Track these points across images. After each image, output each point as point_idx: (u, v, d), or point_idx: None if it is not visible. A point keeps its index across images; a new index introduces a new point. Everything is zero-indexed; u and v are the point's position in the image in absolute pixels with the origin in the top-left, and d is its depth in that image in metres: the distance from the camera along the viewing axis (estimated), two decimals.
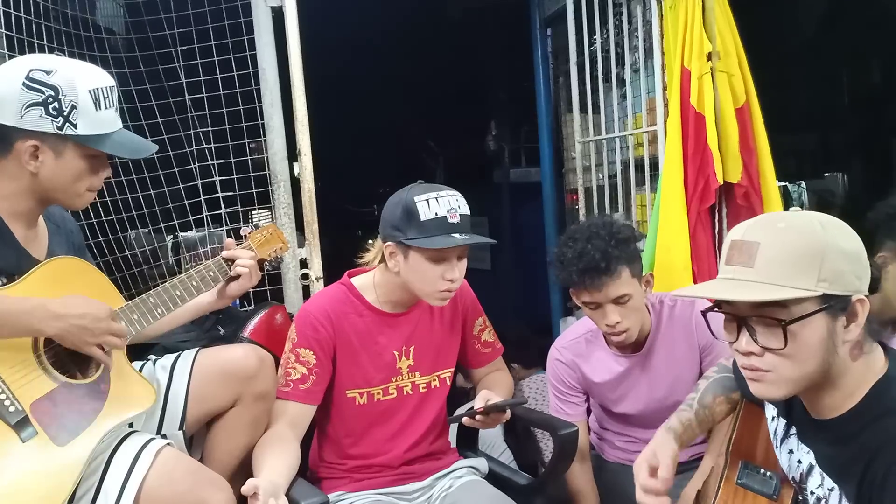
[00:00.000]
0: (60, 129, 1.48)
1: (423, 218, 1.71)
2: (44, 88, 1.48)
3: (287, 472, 1.63)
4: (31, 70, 1.49)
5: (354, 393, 1.86)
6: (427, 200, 1.73)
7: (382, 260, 1.83)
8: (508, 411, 1.79)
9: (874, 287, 1.17)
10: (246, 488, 1.45)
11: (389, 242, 1.78)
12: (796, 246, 1.12)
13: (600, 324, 1.95)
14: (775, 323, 1.12)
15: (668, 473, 1.40)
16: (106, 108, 1.54)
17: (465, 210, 1.77)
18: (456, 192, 1.78)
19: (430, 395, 1.92)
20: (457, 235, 1.72)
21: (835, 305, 1.12)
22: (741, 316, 1.16)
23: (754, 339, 1.15)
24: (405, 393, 1.89)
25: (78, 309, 1.48)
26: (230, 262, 1.79)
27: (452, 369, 1.97)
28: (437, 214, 1.72)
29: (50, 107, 1.47)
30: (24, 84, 1.47)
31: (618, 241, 1.85)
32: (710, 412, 1.56)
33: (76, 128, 1.49)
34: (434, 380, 1.92)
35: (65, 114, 1.48)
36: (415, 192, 1.75)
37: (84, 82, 1.51)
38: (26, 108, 1.47)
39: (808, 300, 1.11)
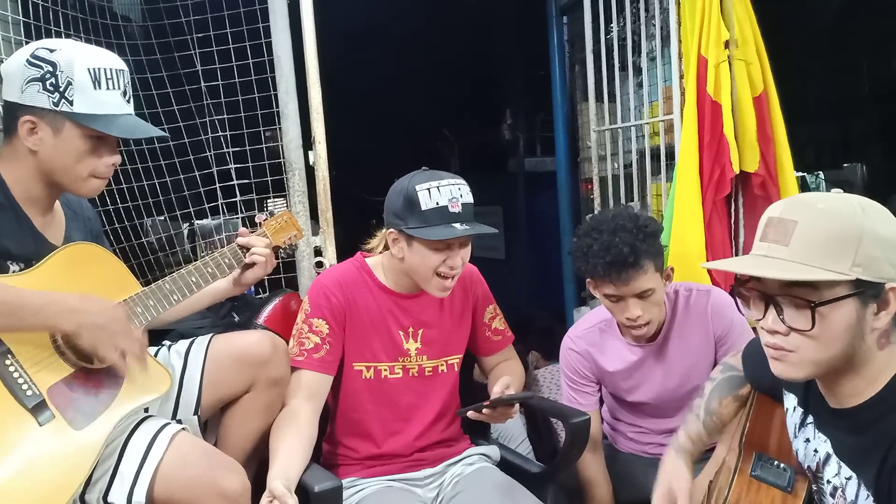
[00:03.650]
0: (56, 104, 1.47)
1: (423, 207, 1.71)
2: (43, 64, 1.47)
3: (301, 459, 1.64)
4: (37, 48, 1.49)
5: (361, 366, 1.86)
6: (428, 189, 1.72)
7: (387, 246, 1.84)
8: (517, 406, 1.78)
9: None
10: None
11: (392, 229, 1.78)
12: (834, 228, 1.10)
13: (620, 317, 1.93)
14: (804, 303, 1.10)
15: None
16: (108, 88, 1.51)
17: (468, 198, 1.75)
18: (459, 180, 1.77)
19: (437, 380, 1.92)
20: (457, 226, 1.71)
21: (867, 292, 1.10)
22: (770, 294, 1.15)
23: (781, 318, 1.13)
24: (411, 375, 1.89)
25: (96, 307, 1.47)
26: (245, 249, 1.79)
27: (461, 356, 1.97)
28: (438, 204, 1.71)
29: (47, 82, 1.47)
30: (27, 60, 1.48)
31: (645, 234, 1.82)
32: (717, 418, 1.56)
33: (72, 105, 1.48)
34: (442, 364, 1.92)
35: (61, 89, 1.47)
36: (417, 180, 1.74)
37: (84, 60, 1.50)
38: (27, 83, 1.47)
39: (841, 284, 1.09)
